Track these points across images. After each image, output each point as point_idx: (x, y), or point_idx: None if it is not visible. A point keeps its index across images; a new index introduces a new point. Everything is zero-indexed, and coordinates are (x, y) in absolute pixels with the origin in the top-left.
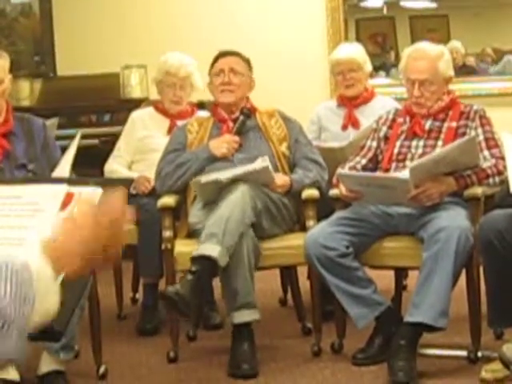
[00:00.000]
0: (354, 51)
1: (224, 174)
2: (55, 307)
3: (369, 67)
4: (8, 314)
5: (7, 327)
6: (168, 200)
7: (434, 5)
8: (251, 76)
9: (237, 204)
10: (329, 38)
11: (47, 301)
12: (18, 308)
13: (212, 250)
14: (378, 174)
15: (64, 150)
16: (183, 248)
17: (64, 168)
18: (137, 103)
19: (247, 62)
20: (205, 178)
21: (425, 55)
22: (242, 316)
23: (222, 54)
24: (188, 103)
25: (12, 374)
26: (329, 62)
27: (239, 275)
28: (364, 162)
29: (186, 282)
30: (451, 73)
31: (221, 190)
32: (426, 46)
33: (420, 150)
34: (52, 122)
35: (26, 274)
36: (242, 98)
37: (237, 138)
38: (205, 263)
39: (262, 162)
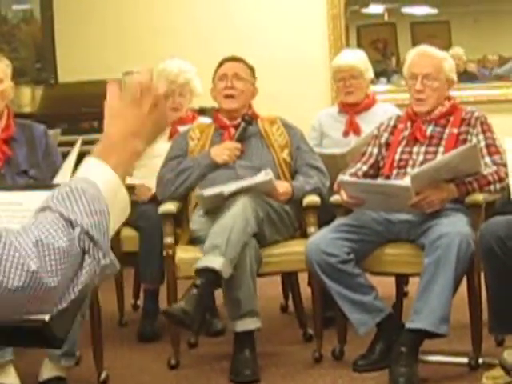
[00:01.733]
0: (356, 58)
1: (227, 188)
2: (127, 203)
3: (370, 74)
4: (91, 234)
5: (94, 247)
6: (169, 206)
7: (435, 11)
8: (254, 83)
9: (239, 214)
10: (330, 44)
11: (119, 203)
12: (98, 224)
13: (215, 261)
14: (379, 181)
15: (65, 156)
16: (184, 254)
17: (65, 174)
18: None
19: (251, 69)
20: (207, 192)
21: (430, 54)
22: (245, 324)
23: (227, 60)
24: (189, 109)
25: (13, 380)
26: (330, 69)
27: (242, 284)
28: (365, 168)
29: (191, 297)
30: (454, 77)
31: (223, 199)
32: (431, 48)
33: (421, 157)
34: (54, 132)
35: (92, 189)
36: (245, 105)
37: (238, 145)
38: (209, 275)
39: (265, 176)
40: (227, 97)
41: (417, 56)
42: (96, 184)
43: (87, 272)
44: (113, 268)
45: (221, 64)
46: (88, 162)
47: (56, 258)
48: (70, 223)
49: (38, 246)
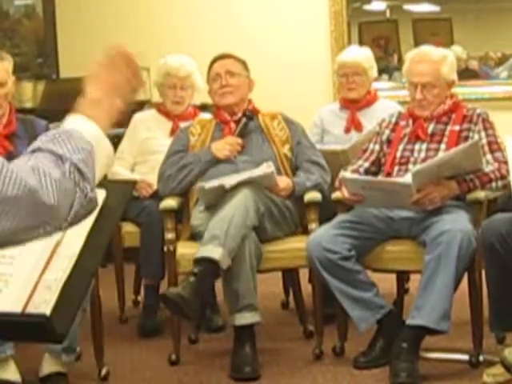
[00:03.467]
0: (361, 55)
1: (228, 180)
2: (111, 151)
3: (374, 73)
4: (80, 168)
5: (83, 181)
6: (170, 202)
7: (437, 8)
8: (249, 76)
9: (239, 206)
10: (332, 41)
11: (103, 150)
12: (85, 160)
13: (214, 252)
14: (381, 178)
15: None
16: (185, 250)
17: None
18: (140, 105)
19: (242, 62)
20: (209, 184)
21: (427, 58)
22: (244, 318)
23: (217, 58)
24: (191, 105)
25: (13, 375)
26: (333, 65)
27: (241, 277)
28: (367, 165)
29: (188, 284)
30: (454, 77)
31: (224, 192)
32: (428, 50)
33: (423, 154)
34: (55, 125)
35: (77, 133)
36: (243, 99)
37: (239, 140)
38: (207, 265)
39: (266, 168)
40: (223, 94)
41: (414, 63)
42: (81, 132)
43: (77, 203)
44: (94, 203)
45: (211, 64)
46: (70, 118)
47: (53, 184)
48: (60, 158)
49: (35, 172)
